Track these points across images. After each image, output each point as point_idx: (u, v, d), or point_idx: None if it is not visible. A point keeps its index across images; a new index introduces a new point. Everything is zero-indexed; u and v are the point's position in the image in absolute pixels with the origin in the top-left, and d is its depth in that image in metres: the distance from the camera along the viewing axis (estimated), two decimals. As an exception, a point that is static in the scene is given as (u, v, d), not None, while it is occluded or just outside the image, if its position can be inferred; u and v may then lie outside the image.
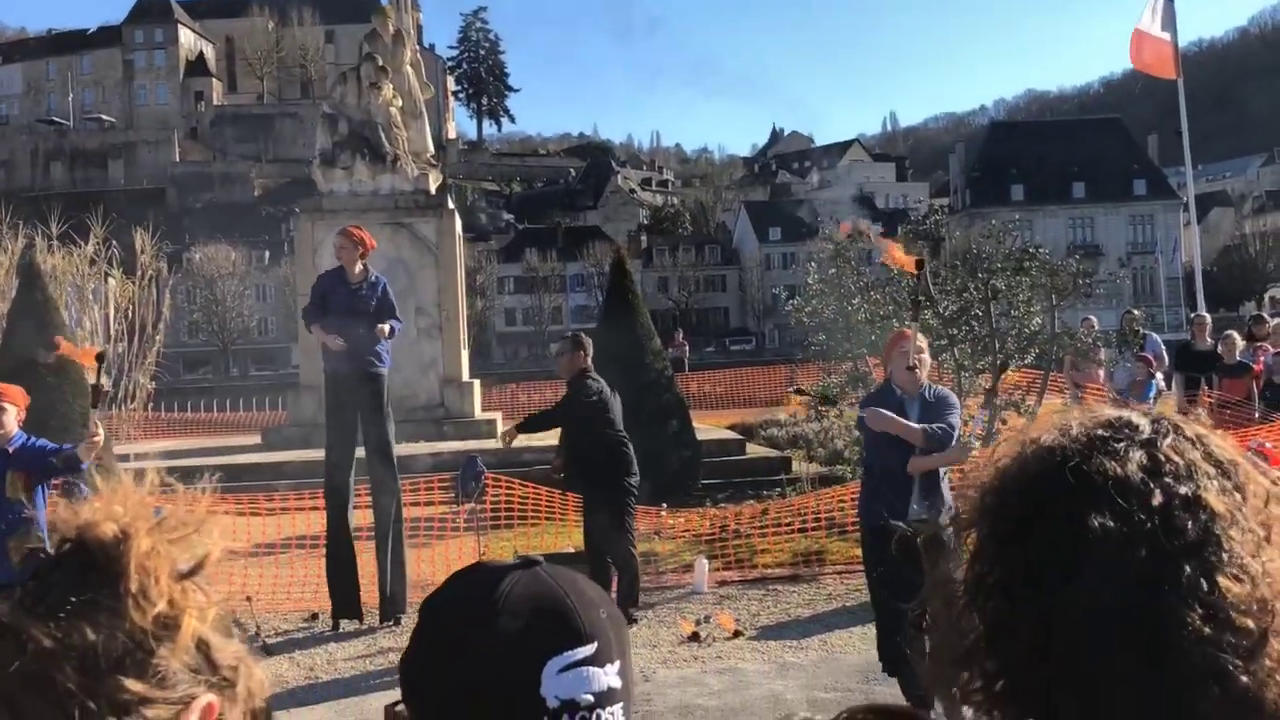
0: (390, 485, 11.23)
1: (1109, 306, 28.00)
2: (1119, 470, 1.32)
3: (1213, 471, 1.33)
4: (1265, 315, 20.24)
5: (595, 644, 1.33)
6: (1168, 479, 1.31)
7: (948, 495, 7.87)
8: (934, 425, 7.82)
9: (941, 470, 7.96)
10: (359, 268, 10.97)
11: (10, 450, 8.18)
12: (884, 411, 7.99)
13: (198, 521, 1.24)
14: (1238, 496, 1.33)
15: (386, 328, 10.98)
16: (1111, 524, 1.28)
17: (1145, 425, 1.38)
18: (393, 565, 11.13)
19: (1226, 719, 1.24)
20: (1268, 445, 12.86)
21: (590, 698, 1.31)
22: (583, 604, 1.36)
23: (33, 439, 8.39)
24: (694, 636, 10.22)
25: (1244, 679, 1.24)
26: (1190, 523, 1.29)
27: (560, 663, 1.30)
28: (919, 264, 8.79)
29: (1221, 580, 1.26)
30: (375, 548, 11.14)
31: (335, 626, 11.05)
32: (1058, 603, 1.28)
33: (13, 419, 8.13)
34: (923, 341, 8.26)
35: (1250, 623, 1.26)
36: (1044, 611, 1.29)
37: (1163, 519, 1.28)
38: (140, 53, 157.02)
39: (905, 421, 7.87)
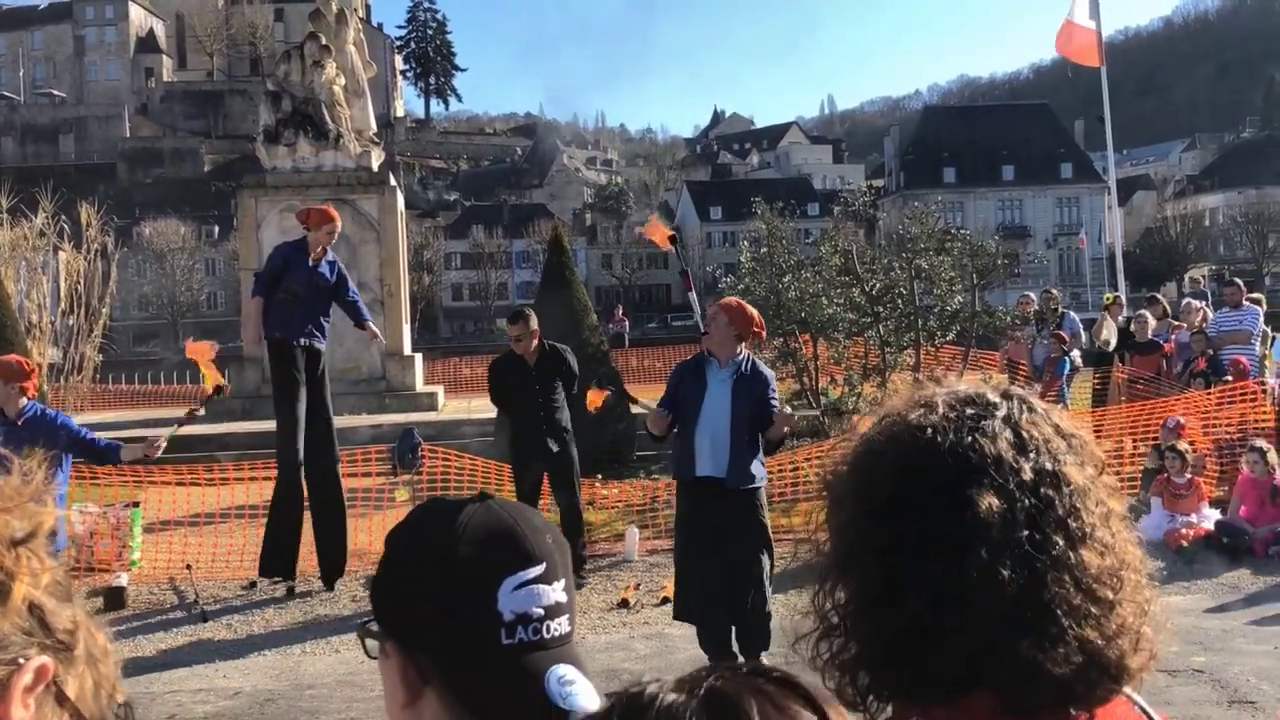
0: (333, 454, 11.36)
1: (1036, 286, 28.44)
2: (992, 449, 1.39)
3: (1064, 446, 1.43)
4: (1160, 297, 20.76)
5: (544, 564, 1.50)
6: (1033, 454, 1.40)
7: (760, 467, 8.43)
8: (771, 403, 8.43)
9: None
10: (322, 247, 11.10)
11: (20, 422, 8.35)
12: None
13: (33, 491, 1.22)
14: (1090, 470, 1.43)
15: (376, 330, 11.57)
16: (995, 501, 1.35)
17: (1000, 401, 1.46)
18: (336, 532, 11.24)
19: (1084, 681, 1.35)
20: (1183, 421, 13.34)
21: (541, 611, 1.48)
22: (531, 530, 1.52)
23: (45, 410, 8.55)
24: (623, 603, 10.46)
25: (1100, 643, 1.35)
26: (1057, 498, 1.37)
27: (514, 581, 1.47)
28: (672, 239, 9.17)
29: (1085, 552, 1.36)
30: (313, 516, 11.21)
31: (252, 585, 11.20)
32: (945, 576, 1.35)
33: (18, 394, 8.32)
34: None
35: (1107, 592, 1.37)
36: (931, 585, 1.36)
37: (1035, 495, 1.37)
38: (91, 29, 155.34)
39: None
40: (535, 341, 11.00)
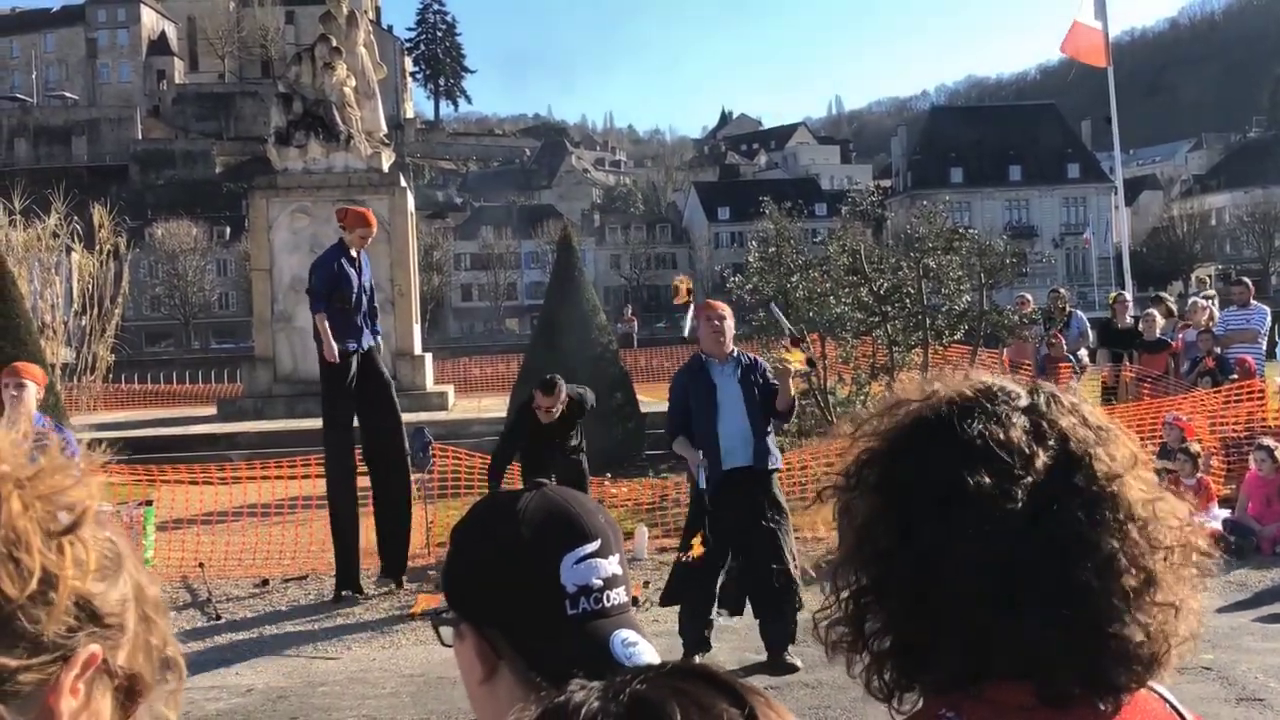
0: (404, 450, 11.47)
1: (1044, 285, 28.44)
2: (1002, 434, 1.40)
3: (1092, 437, 1.43)
4: (1165, 296, 20.71)
5: (599, 540, 1.64)
6: (1051, 441, 1.40)
7: (775, 447, 8.84)
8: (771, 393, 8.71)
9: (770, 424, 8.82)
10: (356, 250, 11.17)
11: None
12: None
13: (75, 469, 1.15)
14: (1120, 458, 1.43)
15: (380, 344, 11.44)
16: (987, 481, 1.36)
17: (1023, 393, 1.48)
18: (402, 531, 11.33)
19: (1116, 665, 1.35)
20: (1183, 418, 13.37)
21: (600, 582, 1.62)
22: (585, 511, 1.67)
23: (51, 424, 8.42)
24: (633, 601, 10.50)
25: (1129, 627, 1.34)
26: (1081, 481, 1.38)
27: (574, 557, 1.61)
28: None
29: (1109, 535, 1.36)
30: (379, 511, 11.31)
31: (337, 598, 11.00)
32: (943, 557, 1.36)
33: (33, 396, 8.14)
34: (726, 310, 8.98)
35: (1131, 578, 1.36)
36: (929, 566, 1.37)
37: (1050, 478, 1.38)
38: (103, 31, 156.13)
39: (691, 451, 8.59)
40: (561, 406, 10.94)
